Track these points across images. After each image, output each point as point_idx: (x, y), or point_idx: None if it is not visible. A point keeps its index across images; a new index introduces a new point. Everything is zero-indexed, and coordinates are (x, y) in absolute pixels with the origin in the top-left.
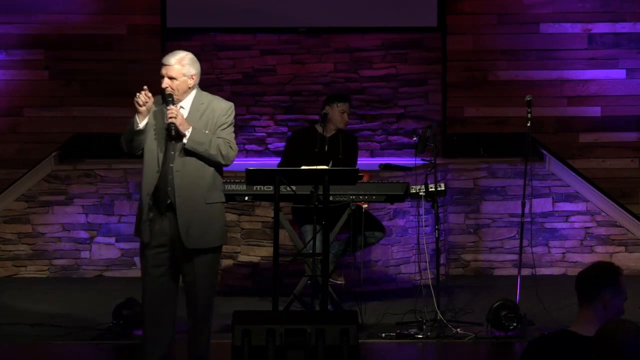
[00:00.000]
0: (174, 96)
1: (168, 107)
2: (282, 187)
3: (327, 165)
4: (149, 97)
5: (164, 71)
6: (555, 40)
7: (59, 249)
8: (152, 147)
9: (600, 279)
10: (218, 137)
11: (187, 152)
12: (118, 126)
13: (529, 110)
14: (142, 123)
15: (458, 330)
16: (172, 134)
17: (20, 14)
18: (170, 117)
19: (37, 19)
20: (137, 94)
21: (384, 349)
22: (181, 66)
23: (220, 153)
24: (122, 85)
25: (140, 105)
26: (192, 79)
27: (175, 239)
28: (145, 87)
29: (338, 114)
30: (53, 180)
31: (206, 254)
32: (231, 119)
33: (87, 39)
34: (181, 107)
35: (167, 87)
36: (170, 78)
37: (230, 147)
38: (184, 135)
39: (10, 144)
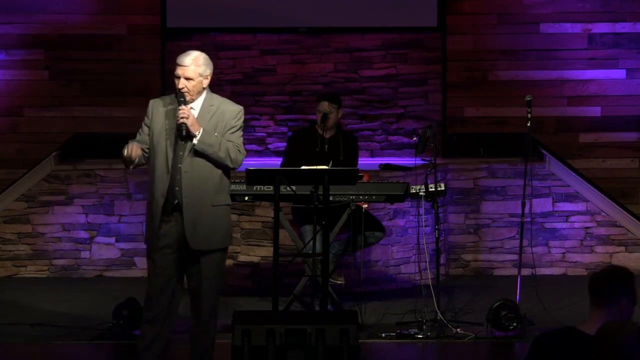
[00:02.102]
0: (189, 97)
1: (180, 107)
2: (282, 187)
3: (327, 165)
4: (137, 155)
5: (179, 72)
6: (555, 40)
7: (59, 249)
8: (162, 149)
9: (620, 286)
10: (227, 141)
11: (196, 153)
12: (118, 126)
13: (529, 110)
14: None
15: (458, 330)
16: (182, 134)
17: (20, 14)
18: (182, 117)
19: (37, 19)
20: (126, 152)
21: (384, 349)
22: (197, 66)
23: (229, 156)
24: (122, 85)
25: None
26: (207, 78)
27: (181, 239)
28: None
29: (317, 113)
30: (53, 180)
31: (212, 255)
32: (240, 122)
33: (87, 39)
34: (191, 108)
35: (183, 88)
36: (187, 79)
37: (239, 150)
38: (194, 136)
39: (10, 144)
